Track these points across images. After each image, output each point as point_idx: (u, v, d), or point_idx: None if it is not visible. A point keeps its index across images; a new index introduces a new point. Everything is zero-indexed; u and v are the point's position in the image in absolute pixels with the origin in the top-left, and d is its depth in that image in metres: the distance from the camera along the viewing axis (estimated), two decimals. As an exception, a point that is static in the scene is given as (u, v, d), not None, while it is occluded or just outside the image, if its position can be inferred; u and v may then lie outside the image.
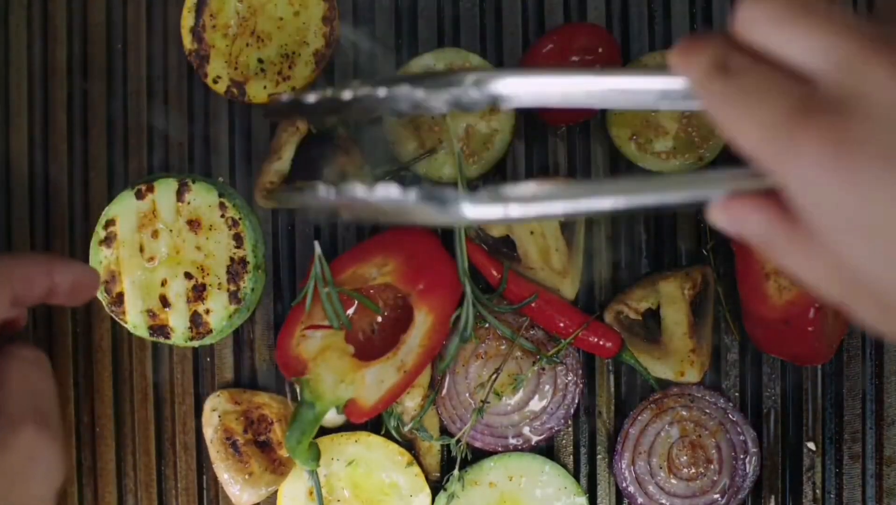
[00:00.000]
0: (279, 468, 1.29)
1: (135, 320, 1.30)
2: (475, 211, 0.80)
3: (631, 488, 1.30)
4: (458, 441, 1.28)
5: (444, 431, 1.32)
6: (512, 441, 1.30)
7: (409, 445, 1.32)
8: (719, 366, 1.33)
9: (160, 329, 1.30)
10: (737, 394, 1.32)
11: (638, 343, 1.29)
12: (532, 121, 1.33)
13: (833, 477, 1.32)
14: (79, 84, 1.36)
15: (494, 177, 1.33)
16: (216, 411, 1.30)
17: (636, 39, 1.33)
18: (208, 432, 1.30)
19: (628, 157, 1.31)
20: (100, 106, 1.36)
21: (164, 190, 1.29)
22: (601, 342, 1.26)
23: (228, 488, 1.29)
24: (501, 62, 1.33)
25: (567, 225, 1.29)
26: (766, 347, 1.29)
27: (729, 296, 1.32)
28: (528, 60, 1.28)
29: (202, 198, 1.29)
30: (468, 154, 1.29)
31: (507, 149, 1.31)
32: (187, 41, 1.31)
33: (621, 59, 1.28)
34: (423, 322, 1.22)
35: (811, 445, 1.32)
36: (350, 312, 1.28)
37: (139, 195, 1.29)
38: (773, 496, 1.33)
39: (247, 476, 1.27)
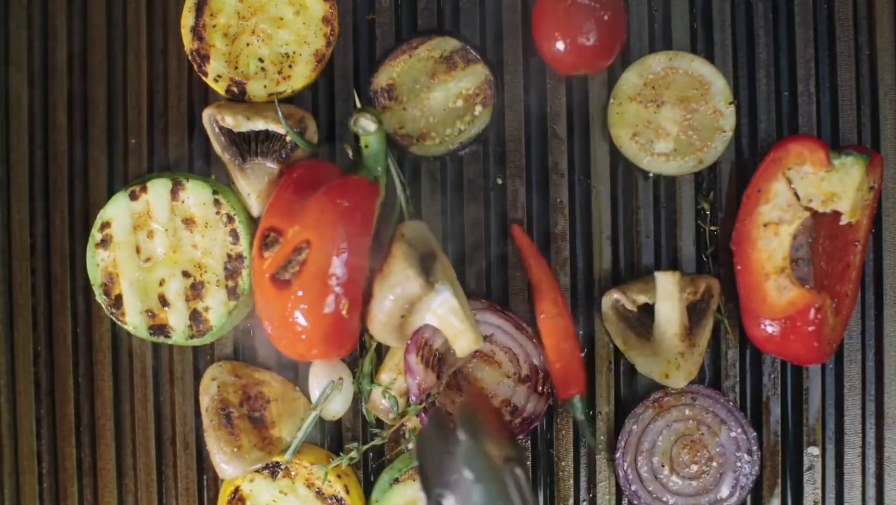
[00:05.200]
0: (268, 446, 1.29)
1: (134, 321, 1.30)
2: None
3: (633, 487, 1.30)
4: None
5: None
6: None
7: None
8: (719, 366, 1.33)
9: (160, 329, 1.30)
10: (737, 394, 1.32)
11: (630, 337, 1.29)
12: (534, 120, 1.33)
13: (833, 477, 1.32)
14: (79, 84, 1.36)
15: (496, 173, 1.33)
16: (216, 381, 1.30)
17: (636, 38, 1.33)
18: (205, 400, 1.30)
19: (628, 158, 1.31)
20: (100, 106, 1.36)
21: (158, 190, 1.29)
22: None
23: (215, 459, 1.28)
24: (502, 54, 1.34)
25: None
26: (766, 347, 1.28)
27: (729, 298, 1.32)
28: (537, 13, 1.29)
29: (197, 196, 1.29)
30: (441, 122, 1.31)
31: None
32: (188, 41, 1.31)
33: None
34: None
35: (813, 451, 1.31)
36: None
37: (133, 196, 1.29)
38: (773, 496, 1.32)
39: (235, 449, 1.27)
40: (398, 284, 1.21)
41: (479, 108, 1.32)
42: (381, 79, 1.32)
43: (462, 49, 1.31)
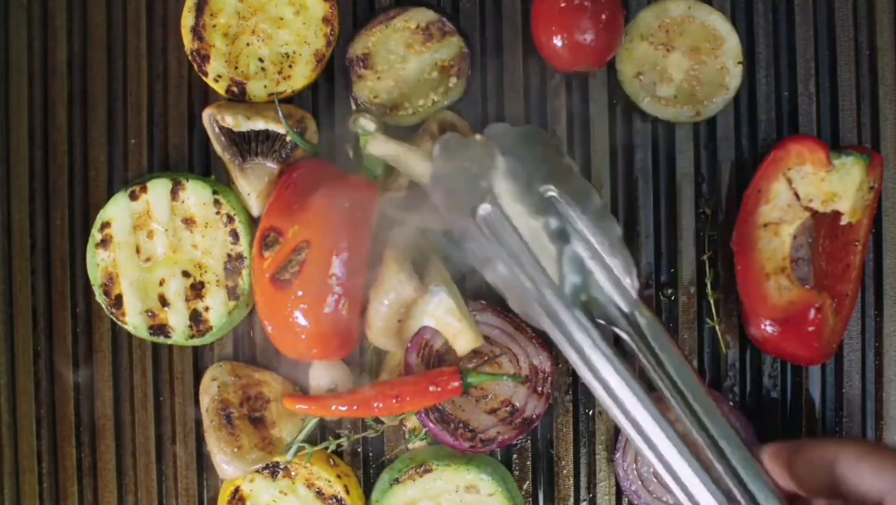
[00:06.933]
0: (268, 447, 1.29)
1: (134, 321, 1.30)
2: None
3: (633, 487, 1.30)
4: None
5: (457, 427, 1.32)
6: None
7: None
8: (719, 366, 1.33)
9: (160, 329, 1.30)
10: (736, 394, 1.32)
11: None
12: (534, 120, 1.33)
13: (833, 477, 1.32)
14: (79, 84, 1.36)
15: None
16: (216, 381, 1.30)
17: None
18: (205, 401, 1.30)
19: (629, 95, 1.31)
20: (100, 106, 1.36)
21: (158, 190, 1.29)
22: (447, 387, 1.24)
23: (215, 459, 1.28)
24: (502, 53, 1.34)
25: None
26: (766, 347, 1.28)
27: (728, 298, 1.32)
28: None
29: (197, 196, 1.29)
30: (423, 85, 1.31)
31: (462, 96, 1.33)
32: (188, 41, 1.31)
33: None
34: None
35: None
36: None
37: (133, 196, 1.30)
38: (773, 496, 1.32)
39: (235, 449, 1.27)
40: (391, 288, 1.21)
41: (453, 80, 1.31)
42: (357, 48, 1.31)
43: (438, 21, 1.31)
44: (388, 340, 1.25)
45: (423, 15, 1.31)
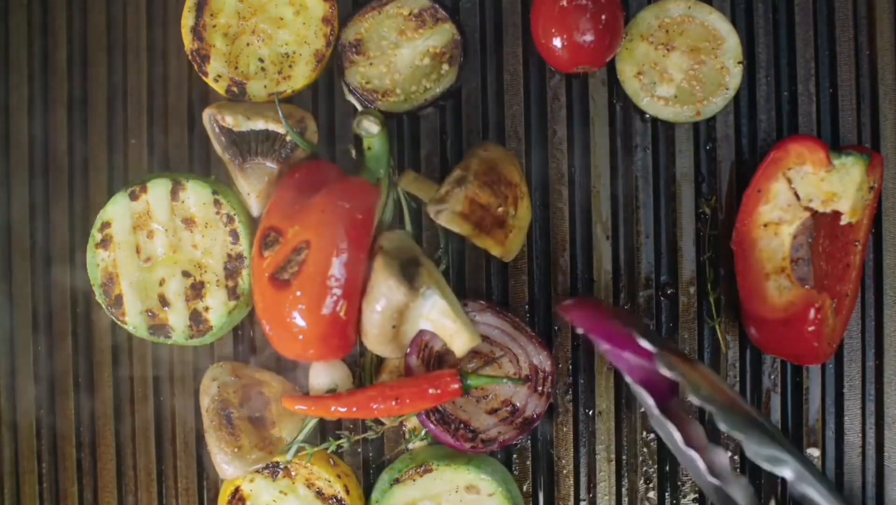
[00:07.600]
0: (268, 446, 1.28)
1: (135, 321, 1.30)
2: None
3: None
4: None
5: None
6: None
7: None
8: (719, 366, 1.33)
9: (160, 329, 1.30)
10: (737, 394, 1.32)
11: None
12: (534, 120, 1.33)
13: (833, 477, 1.32)
14: (79, 84, 1.36)
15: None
16: (216, 381, 1.30)
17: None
18: (205, 401, 1.30)
19: (629, 95, 1.31)
20: (100, 106, 1.36)
21: (158, 190, 1.29)
22: (447, 389, 1.25)
23: (215, 459, 1.28)
24: (502, 53, 1.34)
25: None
26: (766, 347, 1.29)
27: (728, 298, 1.32)
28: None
29: (197, 196, 1.29)
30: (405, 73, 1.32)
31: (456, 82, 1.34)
32: (188, 41, 1.31)
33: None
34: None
35: (813, 452, 1.31)
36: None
37: (133, 196, 1.30)
38: (773, 496, 1.32)
39: (235, 449, 1.27)
40: (382, 295, 1.21)
41: (445, 67, 1.31)
42: (349, 33, 1.31)
43: (431, 7, 1.31)
44: (384, 347, 1.25)
45: (416, 1, 1.31)
